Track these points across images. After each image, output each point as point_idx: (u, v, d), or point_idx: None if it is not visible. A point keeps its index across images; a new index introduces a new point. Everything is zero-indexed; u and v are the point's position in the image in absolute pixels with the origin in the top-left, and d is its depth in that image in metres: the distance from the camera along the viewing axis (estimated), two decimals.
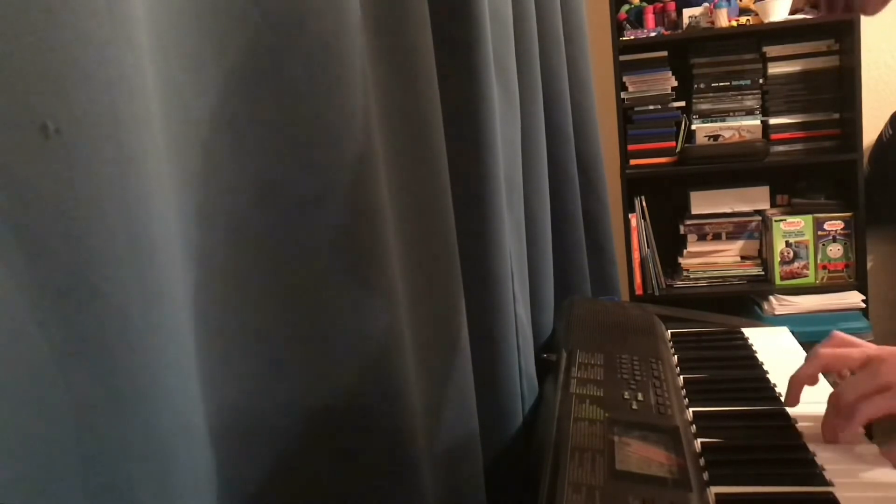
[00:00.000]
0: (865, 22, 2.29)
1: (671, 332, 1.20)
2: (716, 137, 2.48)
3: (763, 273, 2.50)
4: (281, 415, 0.51)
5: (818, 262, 2.44)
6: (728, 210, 2.52)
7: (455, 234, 0.73)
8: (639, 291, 2.55)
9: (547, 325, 1.19)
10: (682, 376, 1.01)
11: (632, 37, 2.44)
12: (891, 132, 2.40)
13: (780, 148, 2.46)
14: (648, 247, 2.54)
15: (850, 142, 2.36)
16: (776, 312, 2.40)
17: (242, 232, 0.48)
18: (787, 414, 0.87)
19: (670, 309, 1.34)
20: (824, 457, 0.76)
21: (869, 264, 2.50)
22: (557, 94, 1.36)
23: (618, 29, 2.44)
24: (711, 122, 2.48)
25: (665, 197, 2.60)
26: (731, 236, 2.54)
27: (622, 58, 2.45)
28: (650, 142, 2.50)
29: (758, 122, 2.46)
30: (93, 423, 0.34)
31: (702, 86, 2.48)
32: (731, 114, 2.48)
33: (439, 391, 0.70)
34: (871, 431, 0.79)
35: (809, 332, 2.16)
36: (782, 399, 0.92)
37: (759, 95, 2.46)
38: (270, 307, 0.50)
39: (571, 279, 1.46)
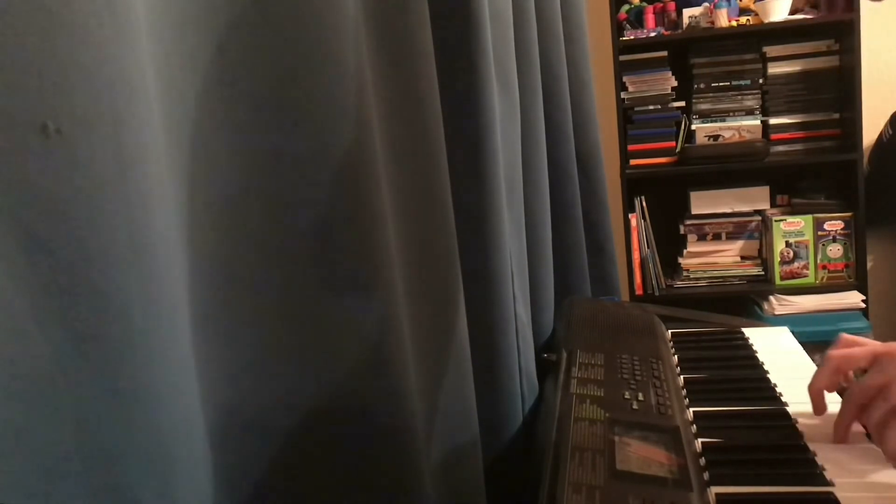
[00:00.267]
0: (865, 22, 2.29)
1: (671, 332, 1.20)
2: (716, 137, 2.49)
3: (763, 273, 2.50)
4: (281, 415, 0.51)
5: (818, 262, 2.44)
6: (728, 210, 2.52)
7: (455, 234, 0.73)
8: (639, 291, 2.55)
9: (547, 325, 1.19)
10: (682, 376, 1.01)
11: (632, 37, 2.45)
12: (891, 132, 2.40)
13: (780, 148, 2.47)
14: (648, 247, 2.54)
15: (850, 142, 2.36)
16: (776, 312, 2.41)
17: (242, 231, 0.48)
18: (787, 414, 0.87)
19: (670, 309, 1.34)
20: (824, 457, 0.76)
21: (869, 264, 2.50)
22: (557, 94, 1.36)
23: (618, 29, 2.44)
24: (711, 122, 2.48)
25: (665, 197, 2.60)
26: (731, 236, 2.54)
27: (622, 58, 2.45)
28: (650, 142, 2.50)
29: (758, 122, 2.47)
30: (93, 423, 0.33)
31: (702, 86, 2.48)
32: (731, 114, 2.48)
33: (439, 391, 0.70)
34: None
35: (809, 332, 2.16)
36: (783, 399, 0.92)
37: (759, 95, 2.47)
38: (270, 307, 0.50)
39: (571, 279, 1.46)
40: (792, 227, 2.44)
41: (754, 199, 2.52)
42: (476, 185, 0.81)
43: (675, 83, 2.48)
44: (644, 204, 2.53)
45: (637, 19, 2.48)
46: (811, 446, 0.79)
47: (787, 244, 2.44)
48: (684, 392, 0.96)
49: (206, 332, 0.45)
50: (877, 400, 0.74)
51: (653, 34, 2.44)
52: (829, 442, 0.80)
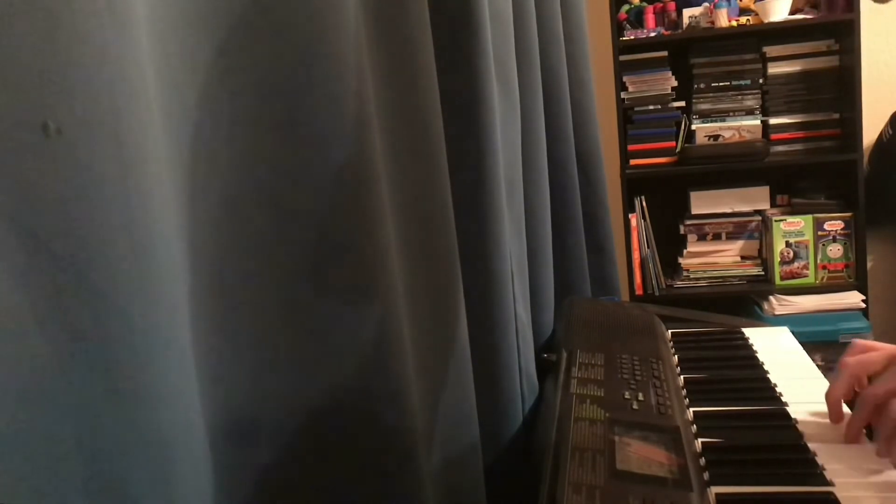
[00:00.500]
0: (865, 22, 2.29)
1: (671, 332, 1.20)
2: (716, 137, 2.49)
3: (763, 273, 2.50)
4: (281, 415, 0.51)
5: (818, 262, 2.44)
6: (728, 210, 2.52)
7: (455, 234, 0.73)
8: (639, 291, 2.55)
9: (547, 325, 1.19)
10: (682, 376, 1.01)
11: (632, 37, 2.45)
12: (891, 132, 2.40)
13: (780, 148, 2.47)
14: (648, 247, 2.54)
15: (850, 142, 2.36)
16: (776, 312, 2.41)
17: (242, 232, 0.48)
18: (787, 414, 0.87)
19: (670, 309, 1.34)
20: (824, 457, 0.76)
21: (869, 264, 2.50)
22: (557, 93, 1.36)
23: (618, 29, 2.44)
24: (711, 122, 2.48)
25: (665, 197, 2.60)
26: (731, 236, 2.54)
27: (622, 58, 2.45)
28: (650, 142, 2.50)
29: (758, 122, 2.47)
30: (93, 423, 0.34)
31: (702, 86, 2.48)
32: (731, 114, 2.48)
33: (439, 391, 0.70)
34: (871, 431, 0.79)
35: (809, 332, 2.17)
36: (783, 399, 0.92)
37: (759, 95, 2.47)
38: (270, 307, 0.50)
39: (571, 279, 1.46)
40: (792, 227, 2.44)
41: (754, 199, 2.52)
42: (476, 185, 0.81)
43: (675, 83, 2.48)
44: (644, 204, 2.53)
45: (637, 19, 2.48)
46: (811, 446, 0.79)
47: (787, 244, 2.44)
48: (684, 392, 0.96)
49: (207, 332, 0.45)
50: (890, 407, 0.74)
51: (653, 34, 2.44)
52: (829, 442, 0.80)
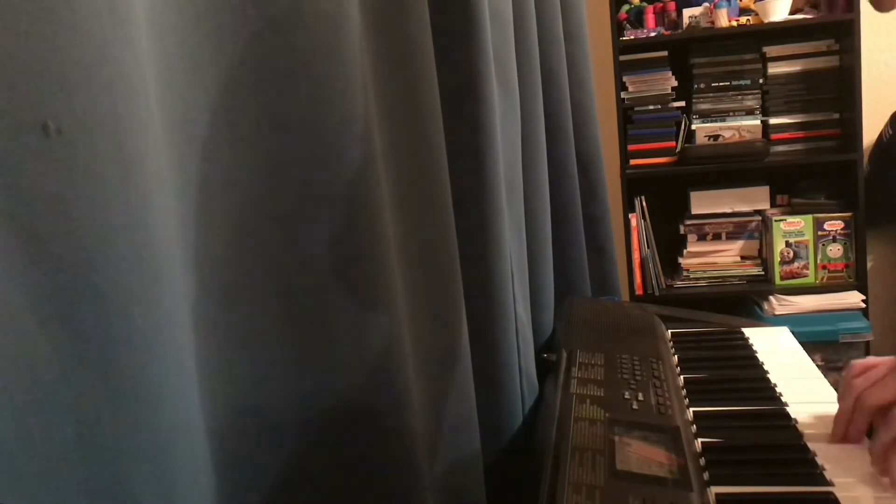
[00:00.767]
0: (865, 22, 2.29)
1: (671, 332, 1.20)
2: (716, 137, 2.49)
3: (763, 273, 2.50)
4: (281, 415, 0.51)
5: (818, 262, 2.44)
6: (728, 210, 2.52)
7: (455, 235, 0.73)
8: (639, 291, 2.55)
9: (547, 325, 1.19)
10: (682, 376, 1.01)
11: (632, 37, 2.44)
12: (891, 132, 2.40)
13: (780, 148, 2.47)
14: (648, 247, 2.54)
15: (850, 142, 2.36)
16: (776, 312, 2.40)
17: (242, 232, 0.48)
18: (787, 414, 0.87)
19: (670, 309, 1.34)
20: (824, 457, 0.76)
21: (869, 264, 2.50)
22: (557, 93, 1.36)
23: (618, 29, 2.44)
24: (711, 122, 2.48)
25: (665, 197, 2.60)
26: (731, 236, 2.54)
27: (622, 58, 2.45)
28: (650, 142, 2.50)
29: (758, 122, 2.47)
30: (93, 423, 0.34)
31: (702, 86, 2.48)
32: (731, 114, 2.48)
33: (439, 392, 0.70)
34: (871, 431, 0.79)
35: (809, 332, 2.17)
36: (783, 399, 0.92)
37: (759, 95, 2.47)
38: (270, 308, 0.50)
39: (571, 279, 1.46)
40: (792, 227, 2.44)
41: (754, 199, 2.51)
42: (476, 185, 0.81)
43: (675, 83, 2.48)
44: (644, 204, 2.53)
45: (637, 19, 2.48)
46: (811, 446, 0.79)
47: (787, 244, 2.44)
48: (684, 392, 0.96)
49: (207, 332, 0.45)
50: (891, 417, 0.72)
51: (653, 34, 2.44)
52: (829, 442, 0.80)
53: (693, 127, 2.48)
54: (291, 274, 0.51)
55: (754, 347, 1.11)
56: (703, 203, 2.53)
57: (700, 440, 0.81)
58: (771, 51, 2.44)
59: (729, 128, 2.48)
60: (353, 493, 0.55)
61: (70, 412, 0.33)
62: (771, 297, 2.45)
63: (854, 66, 2.28)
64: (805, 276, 2.45)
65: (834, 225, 2.42)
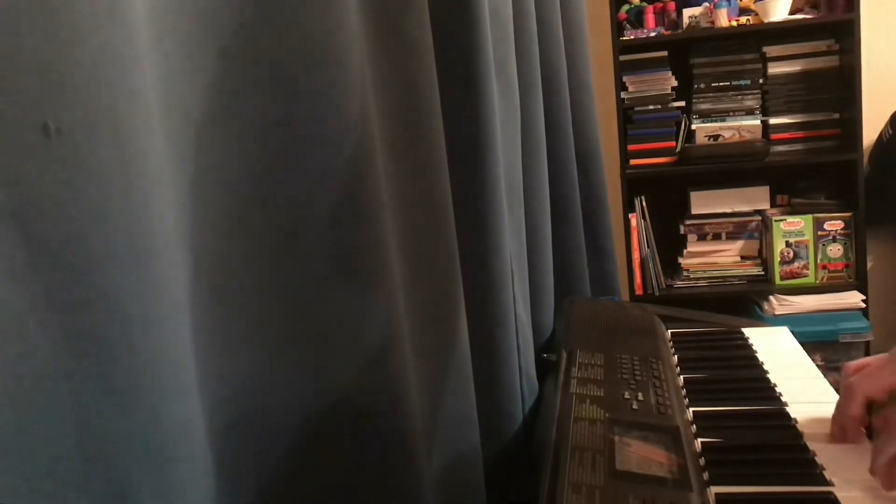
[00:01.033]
0: (865, 22, 2.29)
1: (671, 332, 1.20)
2: (716, 137, 2.49)
3: (763, 273, 2.50)
4: (280, 414, 0.51)
5: (818, 261, 2.44)
6: (728, 210, 2.52)
7: (455, 234, 0.73)
8: (639, 291, 2.55)
9: (547, 325, 1.19)
10: (682, 376, 1.01)
11: (632, 37, 2.45)
12: (891, 132, 2.40)
13: (780, 148, 2.47)
14: (648, 247, 2.54)
15: (850, 142, 2.36)
16: (776, 312, 2.40)
17: (242, 232, 0.48)
18: (787, 414, 0.87)
19: (670, 309, 1.34)
20: (824, 457, 0.76)
21: (869, 264, 2.50)
22: (557, 93, 1.36)
23: (618, 29, 2.44)
24: (711, 122, 2.48)
25: (665, 197, 2.60)
26: (731, 236, 2.54)
27: (622, 58, 2.45)
28: (650, 142, 2.50)
29: (758, 122, 2.47)
30: (93, 423, 0.34)
31: (702, 86, 2.48)
32: (731, 114, 2.48)
33: (439, 391, 0.70)
34: (871, 431, 0.79)
35: (809, 332, 2.17)
36: (783, 399, 0.92)
37: (759, 95, 2.47)
38: (270, 307, 0.50)
39: (571, 279, 1.46)
40: (792, 227, 2.44)
41: (754, 199, 2.52)
42: (476, 185, 0.81)
43: (675, 83, 2.48)
44: (644, 204, 2.53)
45: (637, 19, 2.48)
46: (811, 446, 0.79)
47: (787, 244, 2.44)
48: (684, 392, 0.96)
49: (207, 332, 0.45)
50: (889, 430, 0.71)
51: (653, 34, 2.44)
52: (828, 442, 0.80)
53: (693, 127, 2.48)
54: (291, 274, 0.51)
55: (754, 347, 1.11)
56: (703, 203, 2.53)
57: (700, 440, 0.81)
58: (771, 51, 2.44)
59: (729, 128, 2.48)
60: (352, 493, 0.55)
61: (70, 412, 0.33)
62: (771, 297, 2.45)
63: (854, 66, 2.28)
64: (805, 276, 2.45)
65: (834, 225, 2.42)
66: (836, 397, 0.83)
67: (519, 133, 1.01)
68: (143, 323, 0.36)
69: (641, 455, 0.74)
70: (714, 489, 0.72)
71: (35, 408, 0.31)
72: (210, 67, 0.45)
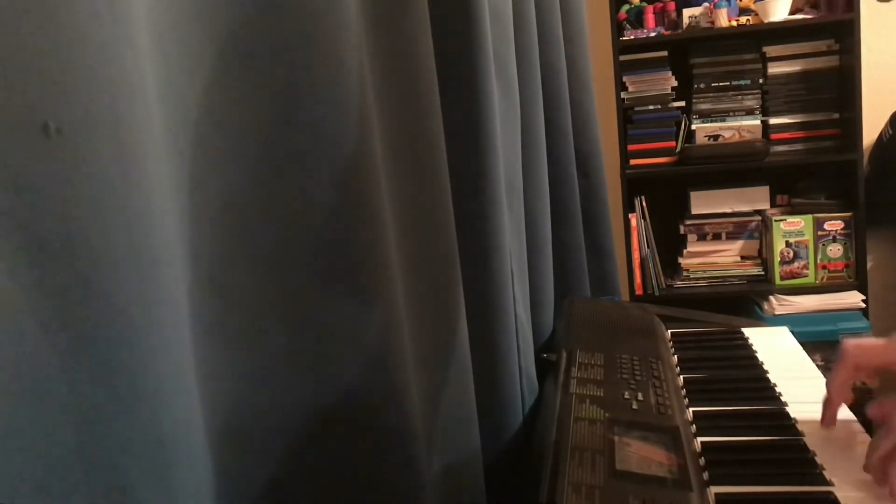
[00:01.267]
0: (865, 22, 2.29)
1: (671, 332, 1.20)
2: (716, 137, 2.49)
3: (763, 273, 2.50)
4: (280, 415, 0.51)
5: (818, 262, 2.44)
6: (728, 210, 2.52)
7: (455, 235, 0.73)
8: (639, 291, 2.55)
9: (547, 325, 1.19)
10: (682, 376, 1.01)
11: (632, 37, 2.44)
12: (891, 132, 2.40)
13: (780, 148, 2.47)
14: (648, 247, 2.54)
15: (850, 142, 2.36)
16: (776, 312, 2.40)
17: (241, 232, 0.48)
18: (787, 414, 0.87)
19: (670, 309, 1.34)
20: (824, 457, 0.76)
21: (869, 264, 2.50)
22: (557, 93, 1.36)
23: (618, 29, 2.44)
24: (711, 122, 2.48)
25: (665, 197, 2.60)
26: (731, 236, 2.54)
27: (622, 58, 2.45)
28: (650, 142, 2.50)
29: (758, 122, 2.47)
30: (93, 423, 0.34)
31: (702, 86, 2.48)
32: (731, 114, 2.48)
33: (439, 391, 0.70)
34: (871, 431, 0.79)
35: (809, 332, 2.17)
36: (783, 399, 0.92)
37: (759, 95, 2.47)
38: (270, 307, 0.50)
39: (571, 279, 1.46)
40: (792, 227, 2.44)
41: (754, 199, 2.52)
42: (476, 185, 0.81)
43: (675, 83, 2.48)
44: (644, 204, 2.53)
45: (637, 19, 2.48)
46: (811, 446, 0.79)
47: (787, 244, 2.44)
48: (684, 392, 0.96)
49: (207, 332, 0.45)
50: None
51: (653, 34, 2.44)
52: (828, 442, 0.80)
53: (693, 127, 2.48)
54: (291, 274, 0.51)
55: (754, 347, 1.11)
56: (703, 203, 2.53)
57: (700, 440, 0.81)
58: (771, 51, 2.44)
59: (729, 128, 2.48)
60: (352, 493, 0.55)
61: (70, 412, 0.33)
62: (771, 297, 2.45)
63: (854, 66, 2.28)
64: (805, 276, 2.45)
65: (834, 225, 2.42)
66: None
67: (519, 133, 1.01)
68: (143, 323, 0.36)
69: (641, 455, 0.74)
70: (714, 489, 0.72)
71: (35, 408, 0.31)
72: (210, 67, 0.45)
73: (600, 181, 1.63)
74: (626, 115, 2.50)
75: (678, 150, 2.49)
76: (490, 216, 0.82)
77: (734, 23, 2.39)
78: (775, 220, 2.44)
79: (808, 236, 2.43)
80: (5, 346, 0.30)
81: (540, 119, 1.17)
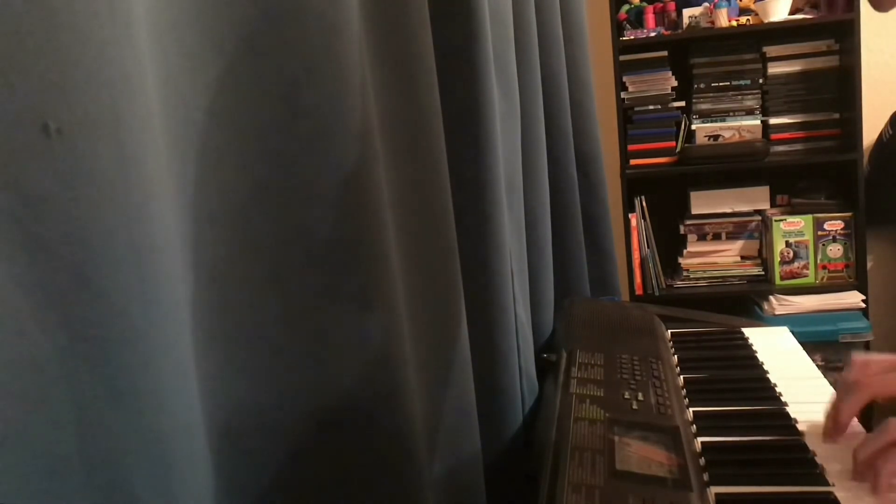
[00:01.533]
0: (865, 22, 2.29)
1: (671, 332, 1.20)
2: (716, 137, 2.48)
3: (763, 273, 2.50)
4: (281, 415, 0.51)
5: (818, 261, 2.44)
6: (728, 210, 2.52)
7: (455, 235, 0.73)
8: (639, 291, 2.55)
9: (547, 325, 1.19)
10: (682, 376, 1.01)
11: (632, 37, 2.44)
12: (891, 132, 2.40)
13: (780, 148, 2.46)
14: (648, 247, 2.54)
15: (850, 142, 2.36)
16: (776, 312, 2.40)
17: (242, 232, 0.48)
18: (787, 414, 0.87)
19: (670, 309, 1.34)
20: (824, 457, 0.76)
21: (869, 264, 2.50)
22: (557, 93, 1.36)
23: (618, 29, 2.44)
24: (711, 122, 2.48)
25: (665, 197, 2.60)
26: (731, 236, 2.54)
27: (622, 58, 2.45)
28: (650, 142, 2.50)
29: (758, 122, 2.46)
30: (93, 423, 0.34)
31: (702, 86, 2.48)
32: (731, 114, 2.48)
33: (439, 392, 0.70)
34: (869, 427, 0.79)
35: (809, 332, 2.17)
36: (783, 399, 0.92)
37: (759, 95, 2.46)
38: (270, 308, 0.50)
39: (571, 279, 1.46)
40: (792, 227, 2.44)
41: (754, 199, 2.51)
42: (476, 185, 0.81)
43: (675, 83, 2.48)
44: (644, 204, 2.53)
45: (637, 19, 2.47)
46: (811, 446, 0.79)
47: (787, 244, 2.44)
48: (684, 392, 0.96)
49: (207, 332, 0.45)
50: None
51: (653, 34, 2.44)
52: (823, 439, 0.80)
53: (693, 127, 2.48)
54: (292, 274, 0.51)
55: (754, 347, 1.11)
56: (703, 203, 2.53)
57: (700, 440, 0.81)
58: (771, 51, 2.44)
59: (729, 128, 2.48)
60: (352, 493, 0.55)
61: (70, 412, 0.33)
62: (771, 297, 2.44)
63: (854, 66, 2.28)
64: (805, 276, 2.45)
65: (834, 225, 2.42)
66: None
67: (519, 133, 1.01)
68: (143, 323, 0.36)
69: (641, 455, 0.74)
70: (714, 489, 0.72)
71: (35, 408, 0.31)
72: (210, 67, 0.45)
73: (600, 181, 1.63)
74: (626, 115, 2.50)
75: (678, 150, 2.49)
76: (490, 216, 0.82)
77: (734, 23, 2.39)
78: (775, 220, 2.44)
79: (808, 236, 2.43)
80: (5, 346, 0.30)
81: (540, 119, 1.17)
